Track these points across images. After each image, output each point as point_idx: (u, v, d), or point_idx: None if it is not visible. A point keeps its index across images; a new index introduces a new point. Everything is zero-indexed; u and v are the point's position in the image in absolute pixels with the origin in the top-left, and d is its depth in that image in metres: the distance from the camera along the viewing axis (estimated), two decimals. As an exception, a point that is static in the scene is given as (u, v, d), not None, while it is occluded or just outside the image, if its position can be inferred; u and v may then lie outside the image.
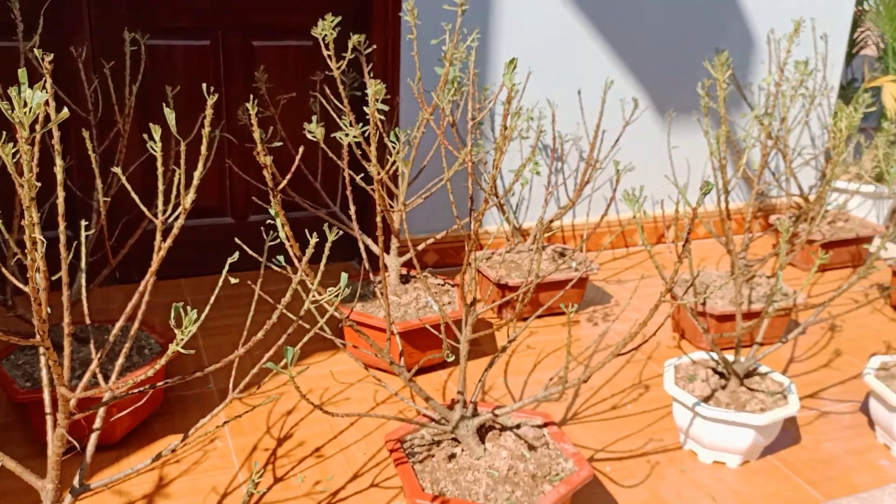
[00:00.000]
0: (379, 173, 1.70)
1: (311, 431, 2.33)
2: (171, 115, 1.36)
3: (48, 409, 1.61)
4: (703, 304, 2.87)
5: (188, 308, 1.27)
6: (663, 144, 3.84)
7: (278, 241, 1.61)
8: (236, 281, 1.57)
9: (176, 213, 1.47)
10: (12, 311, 2.24)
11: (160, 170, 1.42)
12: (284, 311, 1.56)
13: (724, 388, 2.31)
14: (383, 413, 2.43)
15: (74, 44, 2.87)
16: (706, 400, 2.25)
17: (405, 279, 2.86)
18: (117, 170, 1.53)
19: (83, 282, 1.72)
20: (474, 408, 1.93)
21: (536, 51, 3.44)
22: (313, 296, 1.53)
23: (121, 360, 1.65)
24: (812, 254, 2.27)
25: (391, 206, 2.75)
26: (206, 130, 1.42)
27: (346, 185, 1.89)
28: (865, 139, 5.20)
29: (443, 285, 2.86)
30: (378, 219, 1.71)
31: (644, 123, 3.77)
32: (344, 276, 1.58)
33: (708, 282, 3.05)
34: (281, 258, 1.66)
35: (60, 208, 1.38)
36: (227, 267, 1.62)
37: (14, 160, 1.07)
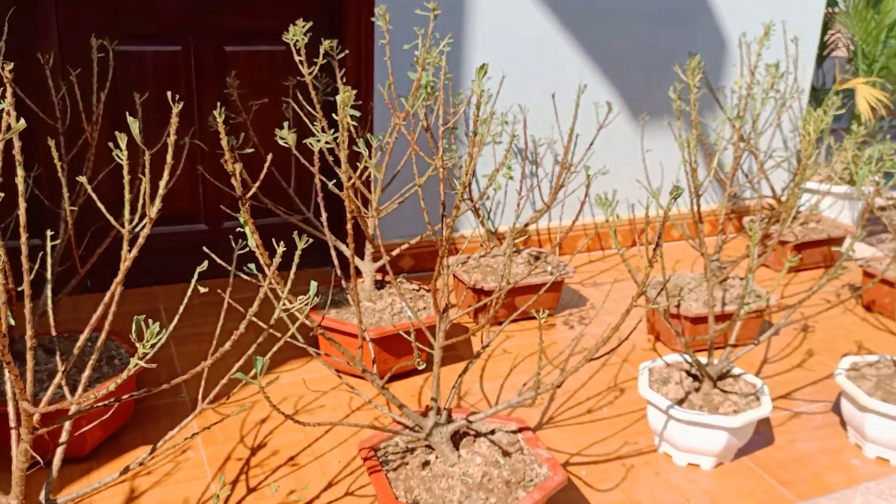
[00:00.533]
0: (350, 179, 1.69)
1: (285, 440, 2.31)
2: (134, 124, 1.34)
3: (13, 424, 1.58)
4: (678, 306, 2.88)
5: (154, 318, 1.25)
6: (637, 148, 3.86)
7: (248, 249, 1.60)
8: (206, 290, 1.55)
9: (142, 224, 1.45)
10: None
11: (126, 178, 1.41)
12: (254, 319, 1.54)
13: (697, 390, 2.32)
14: (358, 421, 2.41)
15: (42, 50, 2.83)
16: (680, 403, 2.26)
17: (380, 285, 2.84)
18: (83, 178, 1.51)
19: (49, 292, 1.69)
20: (448, 414, 1.92)
21: (510, 55, 3.45)
22: (284, 304, 1.52)
23: (87, 371, 1.62)
24: (781, 256, 2.29)
25: (365, 212, 2.74)
26: (171, 139, 1.40)
27: (318, 191, 1.88)
28: (836, 141, 5.25)
29: (418, 290, 2.85)
30: (349, 225, 1.70)
31: (618, 127, 3.79)
32: (313, 283, 1.56)
33: (682, 284, 3.06)
34: (252, 266, 1.65)
35: (22, 219, 1.35)
36: (195, 276, 1.60)
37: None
